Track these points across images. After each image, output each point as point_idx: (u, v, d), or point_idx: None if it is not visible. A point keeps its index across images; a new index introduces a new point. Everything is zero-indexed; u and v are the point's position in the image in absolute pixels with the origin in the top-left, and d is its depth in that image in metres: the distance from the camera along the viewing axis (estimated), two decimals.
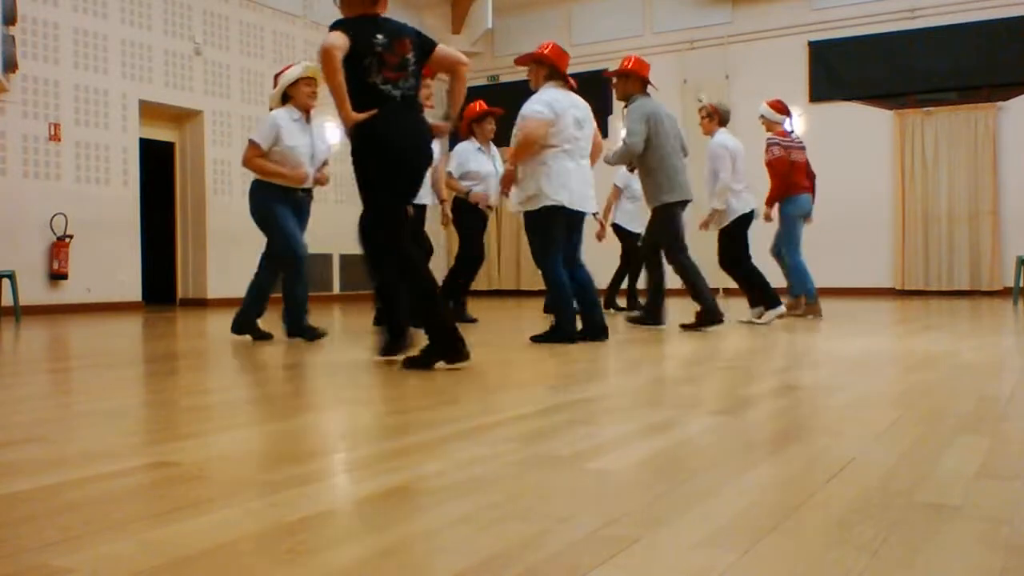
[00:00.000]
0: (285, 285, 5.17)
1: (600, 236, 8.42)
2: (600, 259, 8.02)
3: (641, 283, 8.76)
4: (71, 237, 9.22)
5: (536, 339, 5.04)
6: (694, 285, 5.80)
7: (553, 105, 4.90)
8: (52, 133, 9.19)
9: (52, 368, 4.08)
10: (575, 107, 5.01)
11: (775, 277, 7.29)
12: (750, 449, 2.01)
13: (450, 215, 7.10)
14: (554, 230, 4.97)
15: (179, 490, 1.67)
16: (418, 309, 3.68)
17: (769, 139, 7.15)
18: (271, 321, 5.51)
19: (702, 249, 7.85)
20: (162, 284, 11.04)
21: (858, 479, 1.70)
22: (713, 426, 2.30)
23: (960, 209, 11.56)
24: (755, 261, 6.79)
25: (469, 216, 6.95)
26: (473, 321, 6.93)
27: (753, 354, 4.32)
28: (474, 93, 10.02)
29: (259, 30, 11.45)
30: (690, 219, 6.29)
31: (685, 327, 5.91)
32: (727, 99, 12.48)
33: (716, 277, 6.89)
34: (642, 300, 8.69)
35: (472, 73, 15.42)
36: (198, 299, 10.86)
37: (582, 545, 1.31)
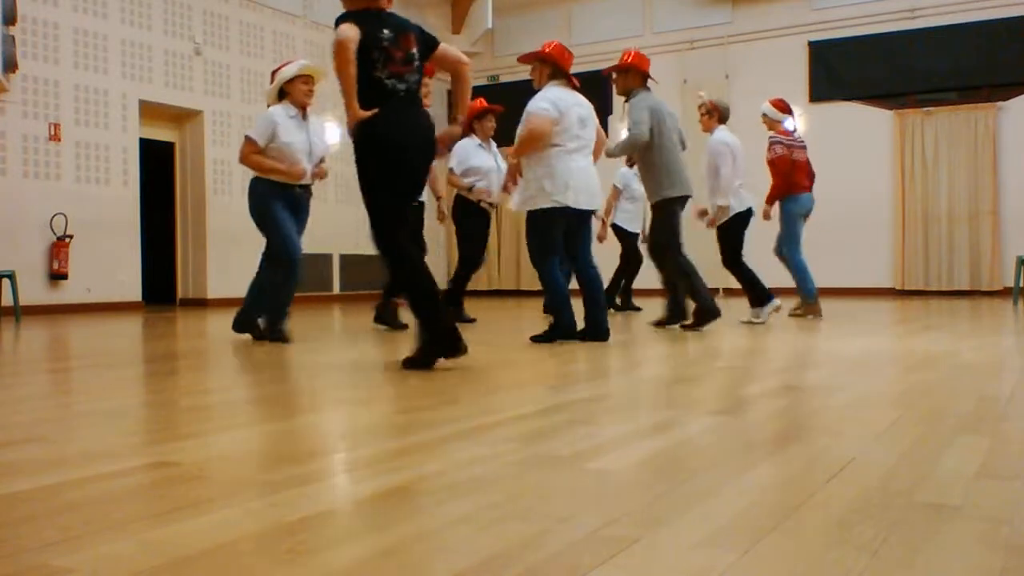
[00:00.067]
0: (273, 283, 5.16)
1: (602, 237, 8.42)
2: (600, 259, 8.01)
3: (642, 283, 8.77)
4: (71, 237, 9.22)
5: (536, 339, 5.05)
6: (691, 283, 5.78)
7: (557, 103, 4.90)
8: (52, 133, 9.19)
9: (52, 368, 4.08)
10: (579, 105, 5.01)
11: (780, 277, 7.29)
12: (750, 449, 2.01)
13: (446, 212, 7.08)
14: (554, 231, 4.97)
15: (179, 490, 1.67)
16: (418, 308, 3.68)
17: (772, 137, 7.15)
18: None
19: (702, 248, 7.86)
20: (162, 284, 11.04)
21: (858, 479, 1.70)
22: (713, 426, 2.30)
23: (960, 209, 11.56)
24: (758, 261, 6.80)
25: (470, 218, 6.94)
26: (471, 321, 6.92)
27: (753, 354, 4.32)
28: (474, 93, 10.01)
29: (259, 30, 11.45)
30: (689, 219, 6.28)
31: (685, 327, 5.91)
32: (727, 99, 12.50)
33: (718, 277, 6.88)
34: (640, 301, 8.71)
35: (472, 73, 15.40)
36: (198, 299, 10.86)
37: (582, 545, 1.31)
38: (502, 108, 7.13)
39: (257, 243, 5.32)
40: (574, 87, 5.08)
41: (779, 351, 4.46)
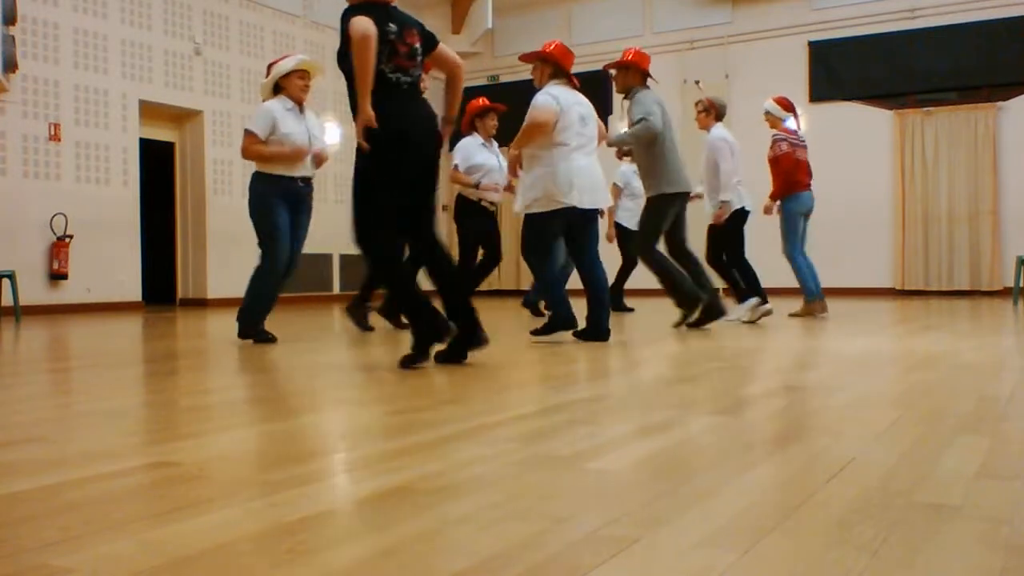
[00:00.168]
0: (258, 281, 5.16)
1: (611, 237, 8.43)
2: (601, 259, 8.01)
3: (639, 284, 8.77)
4: (71, 237, 9.22)
5: (536, 333, 5.06)
6: (671, 279, 5.77)
7: (559, 99, 4.92)
8: (52, 133, 9.19)
9: (52, 368, 4.08)
10: (579, 104, 5.01)
11: (786, 279, 7.27)
12: (750, 449, 2.01)
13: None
14: (552, 232, 4.98)
15: (179, 490, 1.67)
16: (404, 306, 3.77)
17: (775, 135, 7.16)
18: (273, 321, 5.50)
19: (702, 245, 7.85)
20: (162, 284, 11.04)
21: (858, 479, 1.70)
22: (713, 426, 2.30)
23: (960, 209, 11.56)
24: (758, 261, 6.80)
25: (471, 218, 6.93)
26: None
27: (753, 354, 4.32)
28: (474, 93, 10.01)
29: (259, 30, 11.45)
30: (692, 219, 6.27)
31: (691, 325, 5.93)
32: (727, 99, 12.49)
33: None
34: (633, 302, 8.70)
35: (472, 73, 15.46)
36: (198, 299, 10.87)
37: (582, 545, 1.31)
38: (504, 107, 7.13)
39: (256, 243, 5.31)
40: (575, 87, 5.08)
41: (779, 351, 4.46)
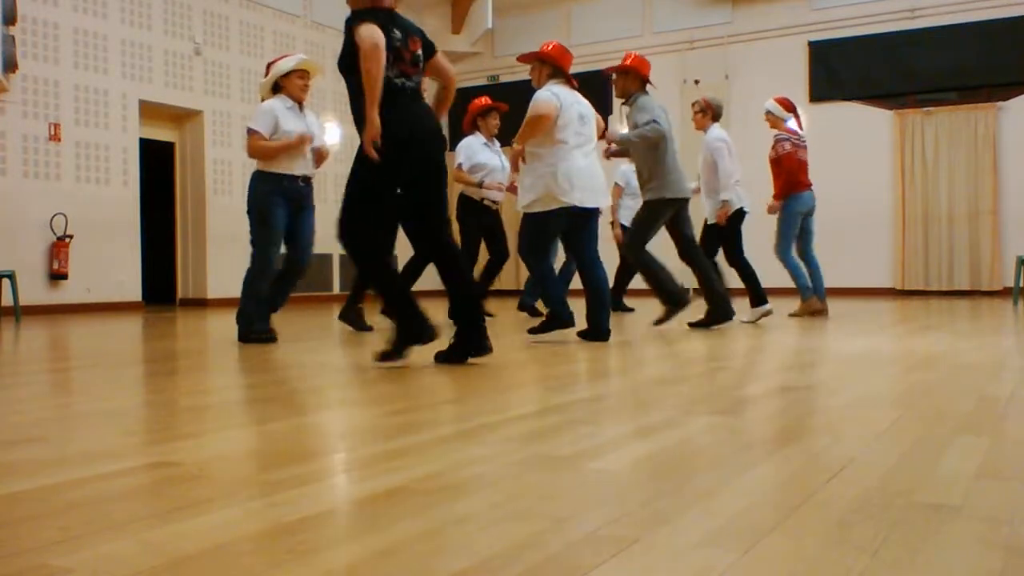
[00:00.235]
0: (251, 282, 5.16)
1: (618, 237, 8.43)
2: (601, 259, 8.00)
3: (640, 283, 8.76)
4: (71, 237, 9.22)
5: (533, 331, 5.06)
6: (657, 278, 5.78)
7: (560, 96, 4.92)
8: (52, 133, 9.19)
9: (52, 368, 4.08)
10: (578, 103, 5.02)
11: (782, 278, 7.27)
12: (750, 449, 2.01)
13: None
14: (551, 231, 4.99)
15: (179, 490, 1.67)
16: (389, 303, 3.80)
17: (778, 135, 7.17)
18: (275, 321, 5.50)
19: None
20: (162, 284, 11.04)
21: (858, 479, 1.70)
22: (713, 426, 2.30)
23: (960, 209, 11.56)
24: (758, 261, 6.79)
25: (473, 216, 6.93)
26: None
27: (753, 354, 4.32)
28: (474, 93, 10.00)
29: (259, 30, 11.46)
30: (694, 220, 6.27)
31: (692, 325, 5.95)
32: (727, 99, 12.49)
33: (731, 274, 6.87)
34: (632, 302, 8.70)
35: (472, 73, 15.49)
36: (198, 299, 10.87)
37: (582, 545, 1.31)
38: (506, 107, 7.13)
39: None
40: (573, 87, 5.08)
41: (779, 351, 4.46)
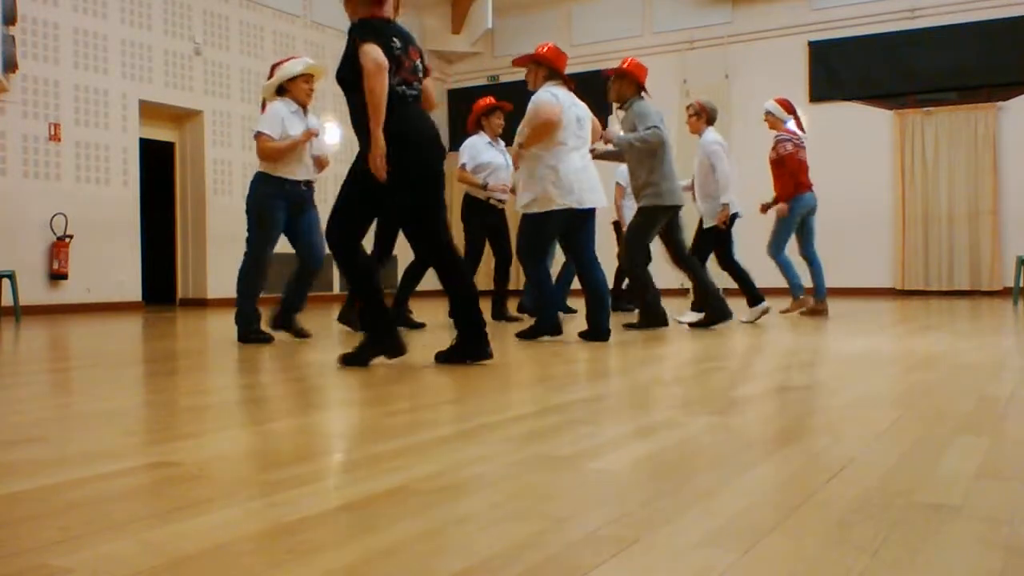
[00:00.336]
0: (245, 281, 5.16)
1: (623, 222, 8.42)
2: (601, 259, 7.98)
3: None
4: (71, 237, 9.22)
5: (521, 335, 5.07)
6: (644, 291, 5.82)
7: (559, 98, 4.93)
8: (52, 133, 9.19)
9: (52, 368, 4.08)
10: (575, 106, 5.03)
11: (781, 278, 7.29)
12: (750, 449, 2.01)
13: None
14: (549, 233, 5.00)
15: (179, 490, 1.67)
16: (367, 307, 3.80)
17: (779, 136, 7.17)
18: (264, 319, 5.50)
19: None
20: (162, 284, 11.04)
21: (858, 479, 1.70)
22: (713, 426, 2.30)
23: (960, 209, 11.56)
24: (758, 261, 6.80)
25: (478, 216, 6.91)
26: (420, 326, 6.46)
27: (753, 354, 4.32)
28: (474, 93, 9.99)
29: (259, 30, 11.45)
30: (686, 223, 6.28)
31: (693, 325, 5.96)
32: (727, 99, 12.49)
33: (723, 277, 6.88)
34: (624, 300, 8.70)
35: (472, 73, 15.47)
36: (198, 299, 10.87)
37: (582, 545, 1.31)
38: (511, 106, 7.13)
39: None
40: (570, 88, 5.09)
41: (779, 351, 4.46)
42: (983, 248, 11.41)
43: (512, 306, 7.49)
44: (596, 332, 5.03)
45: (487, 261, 7.24)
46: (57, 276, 9.14)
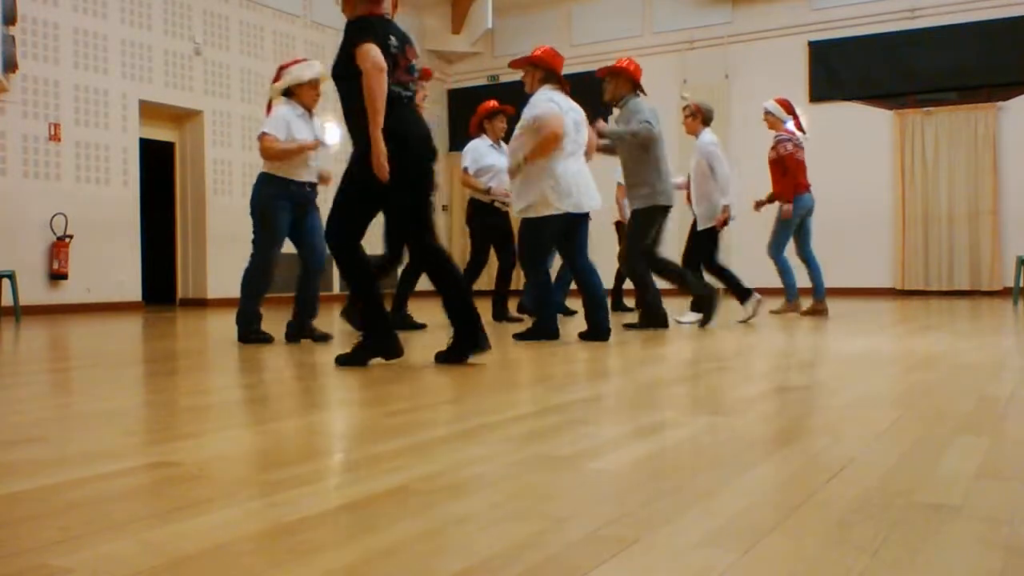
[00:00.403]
0: (251, 282, 5.15)
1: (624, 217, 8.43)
2: (600, 258, 7.98)
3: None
4: (71, 237, 9.22)
5: (519, 337, 5.07)
6: (645, 291, 5.82)
7: (560, 104, 4.93)
8: (52, 133, 9.19)
9: (52, 368, 4.08)
10: (573, 110, 5.06)
11: (801, 279, 7.29)
12: (750, 449, 2.01)
13: None
14: (550, 236, 5.01)
15: (179, 490, 1.67)
16: (366, 309, 3.80)
17: (779, 136, 7.18)
18: (274, 321, 5.50)
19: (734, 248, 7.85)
20: (162, 284, 11.04)
21: (858, 479, 1.70)
22: (713, 426, 2.30)
23: (960, 209, 11.56)
24: (760, 260, 6.80)
25: (485, 217, 6.90)
26: (421, 327, 6.47)
27: (752, 354, 4.32)
28: (474, 93, 9.99)
29: (259, 30, 11.45)
30: (670, 224, 6.27)
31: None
32: (727, 99, 12.50)
33: (752, 275, 6.91)
34: (627, 301, 8.71)
35: (472, 73, 15.44)
36: (198, 299, 10.86)
37: (582, 545, 1.31)
38: (513, 110, 7.13)
39: None
40: (566, 91, 5.10)
41: (779, 351, 4.46)
42: (983, 248, 11.41)
43: (512, 306, 7.48)
44: (596, 332, 5.04)
45: (491, 263, 7.25)
46: (57, 276, 9.14)
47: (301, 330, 5.20)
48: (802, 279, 7.25)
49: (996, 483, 1.66)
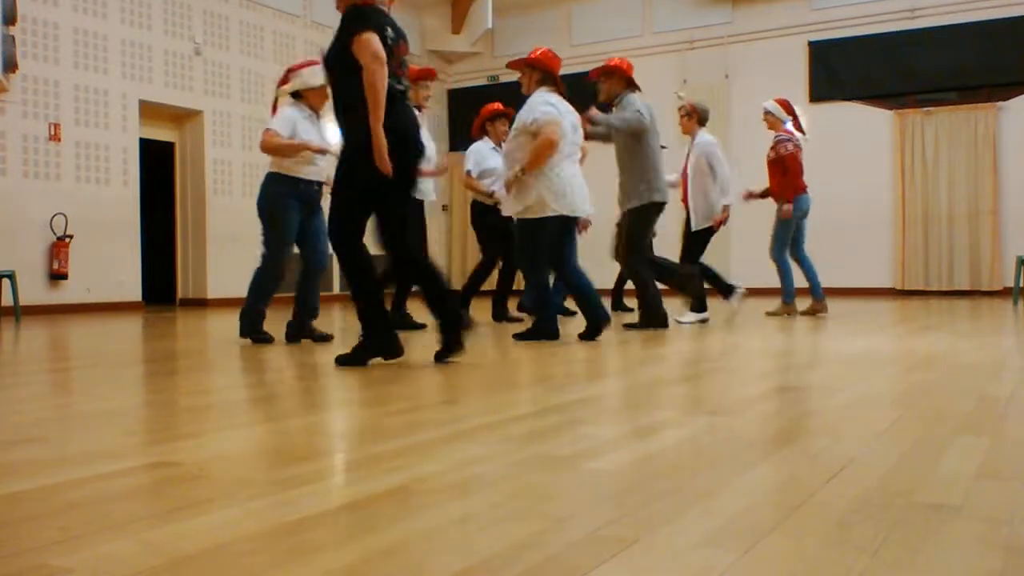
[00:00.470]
0: (260, 283, 5.16)
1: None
2: (600, 258, 7.99)
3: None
4: (71, 237, 9.22)
5: (519, 337, 5.08)
6: (645, 291, 5.83)
7: (558, 108, 4.95)
8: (52, 133, 9.19)
9: (52, 368, 4.08)
10: (570, 113, 5.08)
11: (798, 279, 7.29)
12: (750, 449, 2.01)
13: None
14: (548, 238, 5.02)
15: (179, 490, 1.67)
16: (366, 310, 3.80)
17: (779, 136, 7.18)
18: (274, 321, 5.50)
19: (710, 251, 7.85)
20: (162, 284, 11.04)
21: (858, 479, 1.70)
22: (712, 426, 2.30)
23: (960, 209, 11.55)
24: (759, 260, 6.81)
25: (490, 218, 6.90)
26: (421, 327, 6.61)
27: (752, 354, 4.32)
28: (474, 93, 9.99)
29: (259, 30, 11.45)
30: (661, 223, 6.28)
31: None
32: (727, 99, 12.49)
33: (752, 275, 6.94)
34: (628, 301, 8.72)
35: (472, 73, 15.43)
36: (198, 299, 10.86)
37: (581, 545, 1.31)
38: (514, 112, 7.12)
39: (258, 243, 5.29)
40: (562, 93, 5.11)
41: (778, 351, 4.46)
42: (983, 248, 11.41)
43: (512, 306, 7.49)
44: (595, 328, 5.05)
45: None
46: (57, 276, 9.14)
47: (301, 330, 5.20)
48: (799, 280, 7.25)
49: (996, 483, 1.66)
